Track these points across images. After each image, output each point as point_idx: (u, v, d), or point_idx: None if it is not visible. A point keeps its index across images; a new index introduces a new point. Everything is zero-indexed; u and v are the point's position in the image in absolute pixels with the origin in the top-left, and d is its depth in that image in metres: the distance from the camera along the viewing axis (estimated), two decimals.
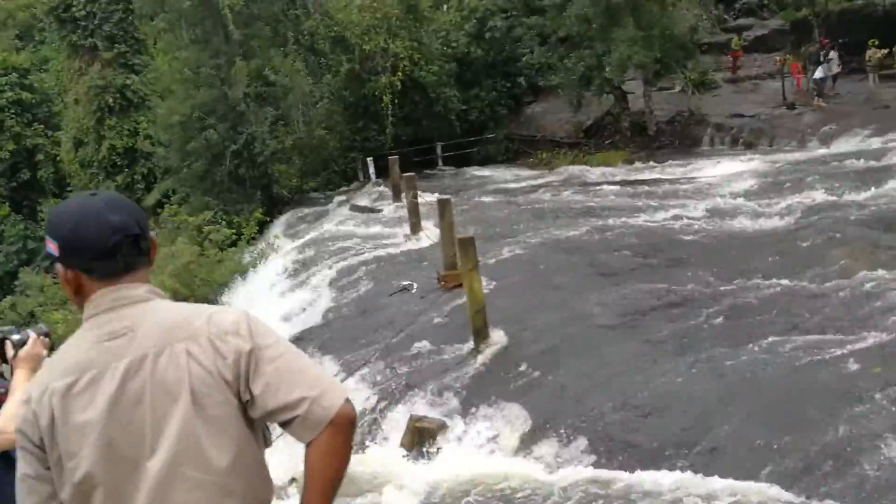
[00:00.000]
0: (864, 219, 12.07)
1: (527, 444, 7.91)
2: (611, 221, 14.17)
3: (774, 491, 6.38)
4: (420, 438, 8.34)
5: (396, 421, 9.01)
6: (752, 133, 24.86)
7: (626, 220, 14.18)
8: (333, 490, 2.24)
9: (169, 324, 2.21)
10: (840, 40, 26.42)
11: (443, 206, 11.92)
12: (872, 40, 25.46)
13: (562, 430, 7.78)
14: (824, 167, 17.29)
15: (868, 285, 9.46)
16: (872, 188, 13.92)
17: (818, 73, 25.49)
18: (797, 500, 6.24)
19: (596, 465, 7.28)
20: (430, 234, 14.98)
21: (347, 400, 2.22)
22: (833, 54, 25.44)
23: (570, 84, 26.96)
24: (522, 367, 8.98)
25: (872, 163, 16.71)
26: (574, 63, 26.38)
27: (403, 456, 8.14)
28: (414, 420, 8.53)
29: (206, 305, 2.38)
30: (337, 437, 2.18)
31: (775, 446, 6.87)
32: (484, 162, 29.88)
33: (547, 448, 7.68)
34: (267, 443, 2.36)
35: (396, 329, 10.77)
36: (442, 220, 11.95)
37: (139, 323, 2.19)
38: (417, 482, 7.31)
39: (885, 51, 25.46)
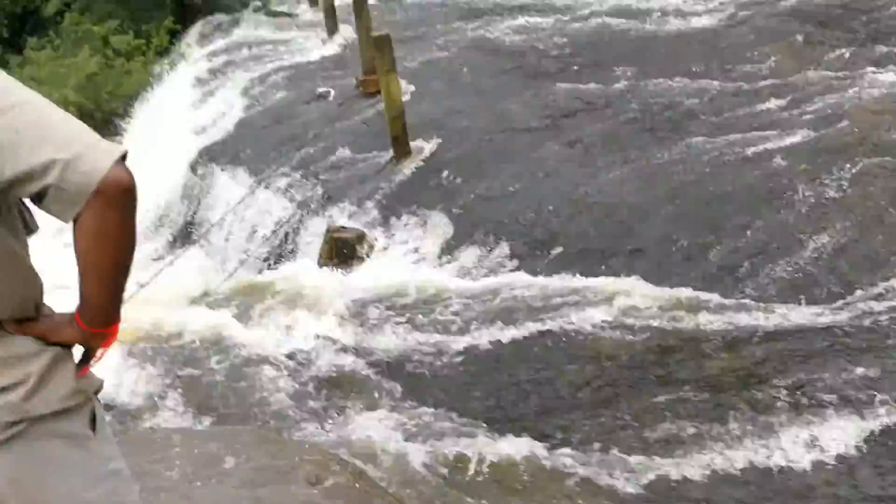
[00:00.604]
0: (796, 14, 11.64)
1: (449, 251, 7.71)
2: (537, 20, 13.46)
3: (695, 292, 6.33)
4: (339, 250, 8.05)
5: (314, 233, 8.69)
6: None
7: (549, 20, 13.48)
8: (115, 281, 1.81)
9: None
10: None
11: (359, 5, 11.06)
12: None
13: (485, 237, 7.57)
14: None
15: (799, 83, 9.21)
16: None
17: None
18: (718, 301, 6.21)
19: (518, 269, 7.14)
20: (348, 37, 14.10)
21: (120, 162, 1.70)
22: None
23: None
24: (444, 174, 8.64)
25: None
26: None
27: (321, 268, 7.86)
28: (332, 231, 8.20)
29: None
30: (108, 212, 1.69)
31: (698, 247, 6.78)
32: None
33: (469, 255, 7.49)
34: (29, 229, 1.89)
35: (313, 138, 10.24)
36: (359, 19, 11.13)
37: None
38: (336, 294, 7.07)
39: None
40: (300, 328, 6.66)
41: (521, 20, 13.51)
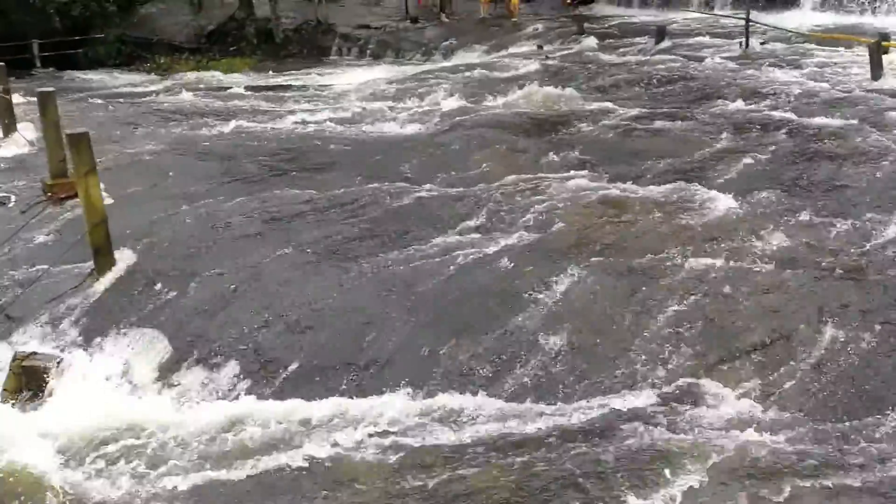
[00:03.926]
0: (498, 124, 12.29)
1: (166, 374, 6.76)
2: (244, 125, 13.01)
3: (443, 398, 6.04)
4: (28, 381, 6.75)
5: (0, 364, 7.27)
6: (378, 45, 24.88)
7: (261, 125, 13.12)
8: None
9: None
10: None
11: (45, 99, 9.87)
12: None
13: (208, 357, 6.75)
14: (450, 76, 17.61)
15: (511, 187, 9.54)
16: (500, 97, 14.31)
17: None
18: (465, 405, 5.95)
19: (250, 391, 6.40)
20: (28, 135, 12.60)
21: None
22: None
23: None
24: (156, 287, 7.71)
25: (495, 74, 17.32)
26: None
27: (7, 404, 6.53)
28: (19, 358, 6.88)
29: None
30: None
31: (441, 353, 6.53)
32: (93, 65, 26.46)
33: (191, 377, 6.62)
34: None
35: None
36: (45, 117, 9.92)
37: None
38: (25, 436, 5.84)
39: None
40: None
41: (231, 123, 12.97)
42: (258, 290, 7.50)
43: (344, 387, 6.29)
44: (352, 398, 6.15)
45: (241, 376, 6.56)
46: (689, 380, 5.97)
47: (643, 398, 5.86)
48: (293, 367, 6.52)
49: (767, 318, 6.59)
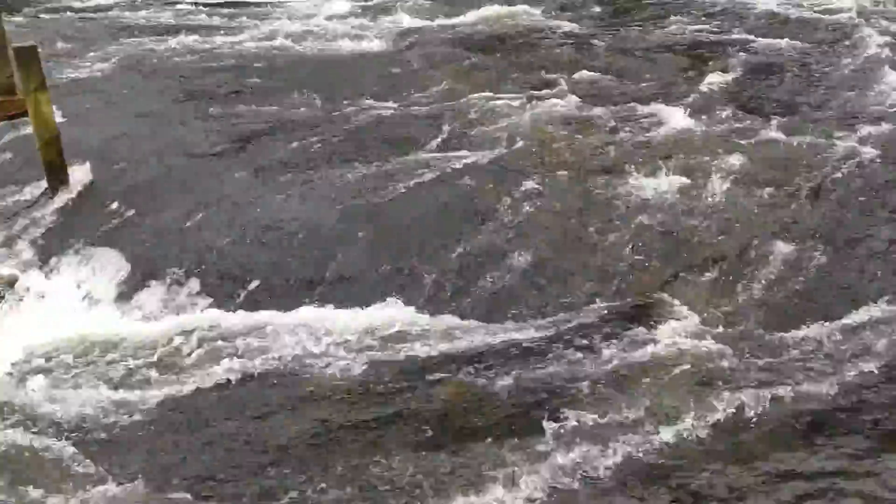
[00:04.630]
0: (458, 42, 12.13)
1: (125, 292, 6.73)
2: (202, 41, 12.63)
3: (405, 314, 6.11)
4: None
5: None
6: None
7: (219, 40, 12.75)
8: None
9: None
10: None
11: None
12: None
13: (170, 274, 6.72)
14: None
15: (471, 105, 9.46)
16: (459, 15, 14.04)
17: None
18: (427, 321, 6.03)
19: (212, 306, 6.41)
20: None
21: None
22: None
23: None
24: (114, 206, 7.61)
25: None
26: None
27: None
28: None
29: None
30: None
31: (403, 270, 6.58)
32: None
33: (153, 296, 6.59)
34: None
35: None
36: None
37: None
38: None
39: None
40: None
41: (189, 38, 12.60)
42: (218, 209, 7.45)
43: (306, 301, 6.31)
44: (314, 312, 6.18)
45: (203, 292, 6.55)
46: (647, 295, 6.11)
47: (602, 313, 5.97)
48: (255, 283, 6.53)
49: (723, 235, 6.73)
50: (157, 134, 8.88)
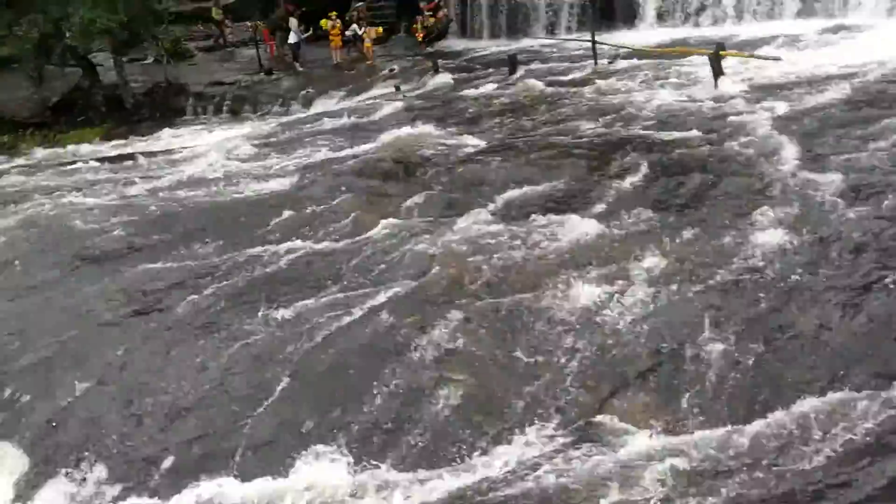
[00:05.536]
0: (362, 171, 12.04)
1: (28, 492, 6.10)
2: (98, 200, 12.27)
3: (332, 473, 5.66)
4: None
5: None
6: (235, 100, 24.32)
7: (117, 197, 12.41)
8: None
9: None
10: (302, 8, 27.03)
11: None
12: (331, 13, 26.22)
13: (72, 463, 6.14)
14: (310, 126, 17.32)
15: (381, 235, 9.26)
16: (362, 143, 14.07)
17: (292, 38, 25.84)
18: (356, 479, 5.59)
19: (124, 495, 5.84)
20: None
21: None
22: (293, 21, 25.93)
23: (26, 55, 23.53)
24: (7, 393, 7.02)
25: (354, 119, 17.11)
26: (27, 30, 23.02)
27: None
28: None
29: None
30: None
31: (326, 424, 6.15)
32: None
33: (55, 491, 5.98)
34: None
35: None
36: None
37: None
38: None
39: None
40: None
41: (81, 199, 12.21)
42: (123, 383, 6.93)
43: (224, 476, 5.80)
44: (233, 487, 5.68)
45: (111, 481, 5.98)
46: (585, 418, 5.81)
47: (542, 442, 5.65)
48: (166, 463, 5.99)
49: (652, 340, 6.53)
50: (52, 306, 8.37)
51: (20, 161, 19.47)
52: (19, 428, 6.60)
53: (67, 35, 22.28)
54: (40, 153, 20.54)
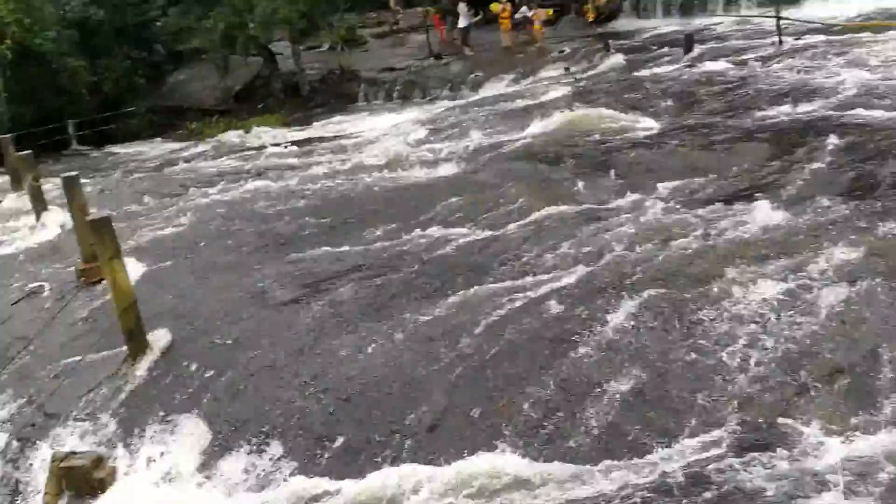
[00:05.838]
0: (532, 155, 11.91)
1: (209, 462, 6.42)
2: (278, 184, 12.80)
3: (506, 460, 5.59)
4: (70, 482, 6.48)
5: (40, 465, 7.01)
6: (405, 85, 24.77)
7: (295, 181, 12.90)
8: None
9: None
10: None
11: (70, 185, 9.74)
12: None
13: (250, 439, 6.40)
14: (479, 110, 17.31)
15: (550, 221, 9.11)
16: (531, 127, 13.92)
17: (462, 23, 25.97)
18: (526, 468, 5.50)
19: (298, 472, 6.03)
20: (61, 219, 12.54)
21: None
22: (462, 6, 26.00)
23: (213, 46, 24.95)
24: (192, 368, 7.40)
25: (523, 102, 16.96)
26: (214, 23, 24.38)
27: None
28: (58, 459, 6.61)
29: None
30: None
31: (495, 413, 6.08)
32: (128, 138, 26.76)
33: (234, 465, 6.26)
34: None
35: (27, 345, 8.58)
36: (71, 202, 9.77)
37: None
38: None
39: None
40: None
41: (261, 183, 12.76)
42: (298, 362, 7.15)
43: (400, 457, 5.86)
44: (403, 469, 5.73)
45: (286, 456, 6.18)
46: (767, 420, 5.44)
47: (720, 446, 5.33)
48: (339, 442, 6.12)
49: (842, 340, 6.04)
50: (232, 286, 8.75)
51: (207, 147, 20.64)
52: (201, 402, 6.94)
53: (250, 26, 23.36)
54: (225, 138, 21.70)
